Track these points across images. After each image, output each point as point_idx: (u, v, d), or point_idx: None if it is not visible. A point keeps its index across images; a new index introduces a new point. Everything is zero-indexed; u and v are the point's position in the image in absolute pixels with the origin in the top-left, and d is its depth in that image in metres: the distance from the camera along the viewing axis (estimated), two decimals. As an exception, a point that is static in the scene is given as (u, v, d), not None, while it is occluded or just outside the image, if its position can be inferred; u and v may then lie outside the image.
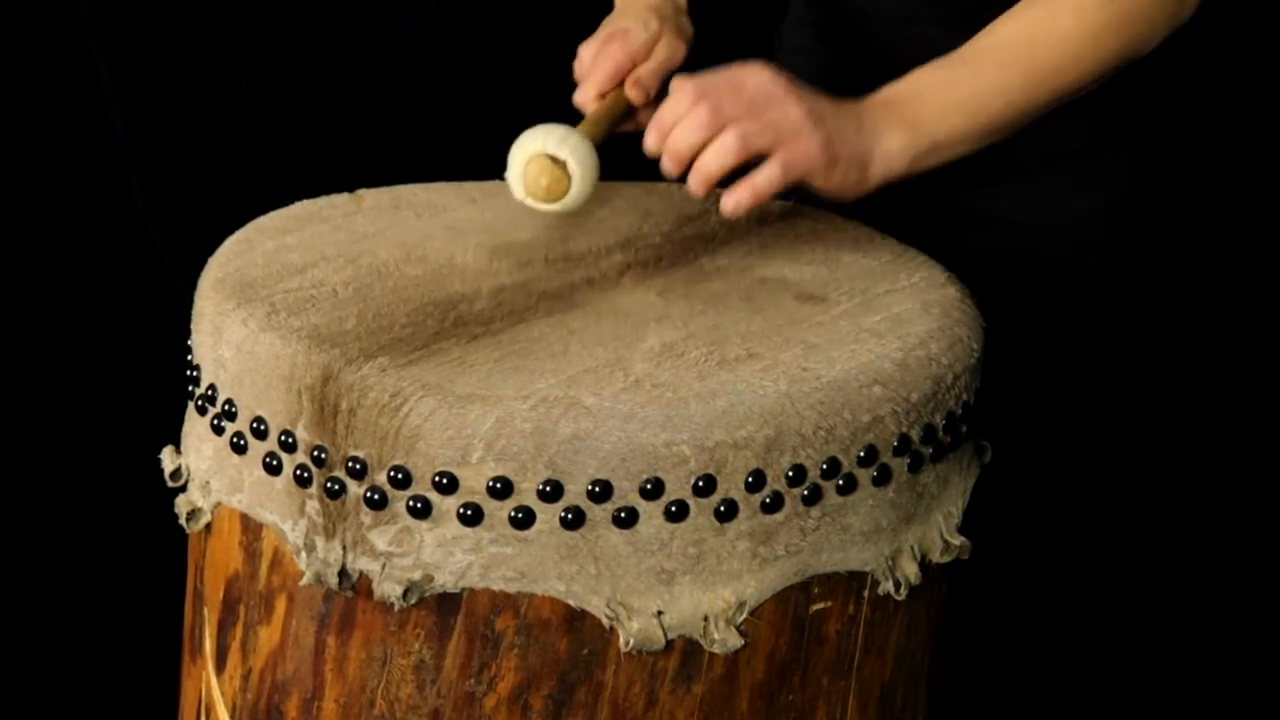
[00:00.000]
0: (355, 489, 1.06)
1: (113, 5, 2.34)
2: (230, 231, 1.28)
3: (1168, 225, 1.45)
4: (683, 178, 1.19)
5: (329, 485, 1.07)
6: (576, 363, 1.09)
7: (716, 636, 1.07)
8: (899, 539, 1.14)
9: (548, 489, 1.04)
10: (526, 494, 1.04)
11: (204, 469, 1.16)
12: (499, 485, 1.04)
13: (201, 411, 1.16)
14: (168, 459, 1.22)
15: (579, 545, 1.05)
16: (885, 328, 1.16)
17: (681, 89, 1.18)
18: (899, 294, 1.22)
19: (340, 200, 1.35)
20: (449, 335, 1.12)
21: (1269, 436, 2.20)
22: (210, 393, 1.14)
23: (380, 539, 1.07)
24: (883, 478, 1.11)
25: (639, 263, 1.25)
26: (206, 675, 1.20)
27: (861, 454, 1.09)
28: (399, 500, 1.05)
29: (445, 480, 1.04)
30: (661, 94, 1.40)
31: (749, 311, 1.17)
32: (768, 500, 1.07)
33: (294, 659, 1.13)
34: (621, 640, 1.07)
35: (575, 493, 1.04)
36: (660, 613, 1.07)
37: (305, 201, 1.34)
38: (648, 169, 1.34)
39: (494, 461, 1.03)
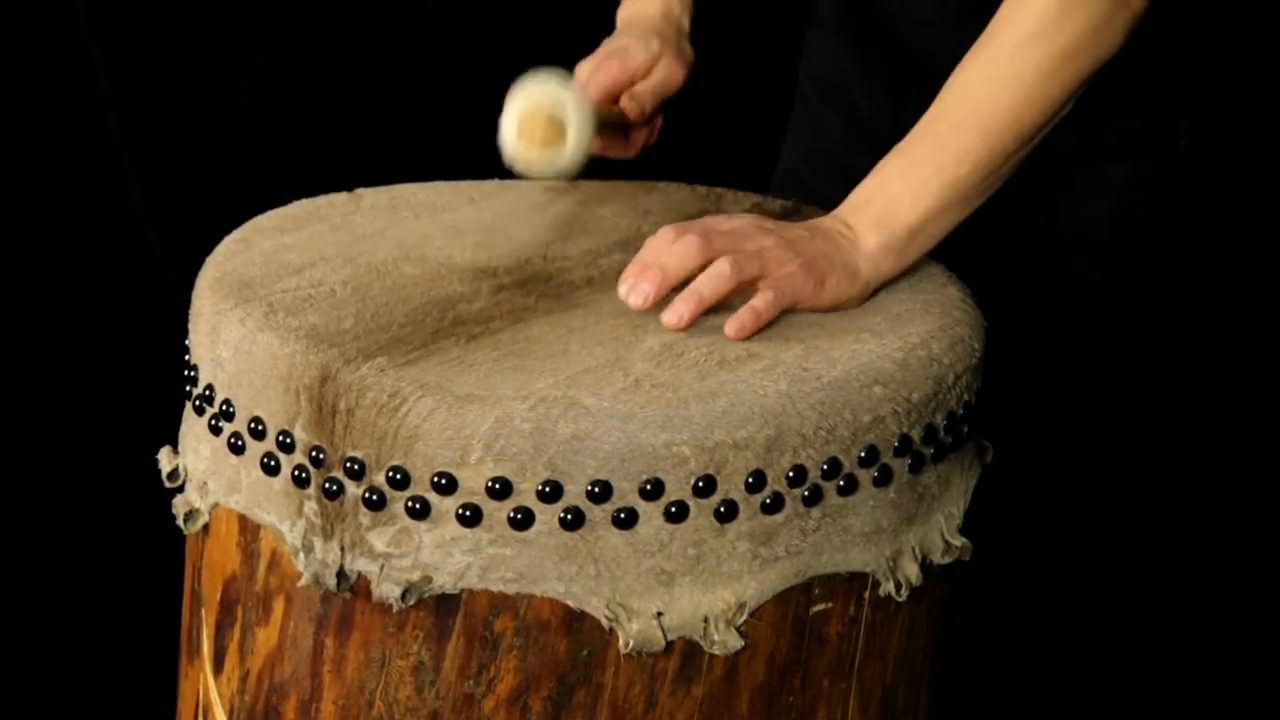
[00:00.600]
0: (353, 489, 1.06)
1: (110, 4, 2.34)
2: (228, 231, 1.28)
3: (1173, 229, 1.45)
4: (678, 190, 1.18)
5: (327, 486, 1.07)
6: (576, 363, 1.08)
7: (716, 638, 1.07)
8: (900, 540, 1.13)
9: (547, 489, 1.03)
10: (526, 494, 1.04)
11: (201, 469, 1.16)
12: (498, 486, 1.03)
13: (199, 412, 1.16)
14: (165, 459, 1.21)
15: (578, 546, 1.05)
16: (886, 327, 1.16)
17: (660, 233, 1.16)
18: (900, 293, 1.22)
19: (339, 200, 1.35)
20: (448, 335, 1.11)
21: (1270, 439, 2.20)
22: (208, 393, 1.14)
23: (379, 540, 1.06)
24: (884, 478, 1.10)
25: (639, 262, 1.25)
26: (204, 677, 1.19)
27: (862, 454, 1.09)
28: (397, 501, 1.05)
29: (444, 481, 1.04)
30: (657, 115, 1.40)
31: (749, 311, 1.17)
32: (768, 501, 1.06)
33: (292, 660, 1.12)
34: (621, 641, 1.06)
35: (575, 493, 1.04)
36: (660, 614, 1.06)
37: (303, 201, 1.34)
38: (648, 169, 1.34)
39: (493, 462, 1.03)
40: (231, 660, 1.17)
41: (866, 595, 1.13)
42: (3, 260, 2.41)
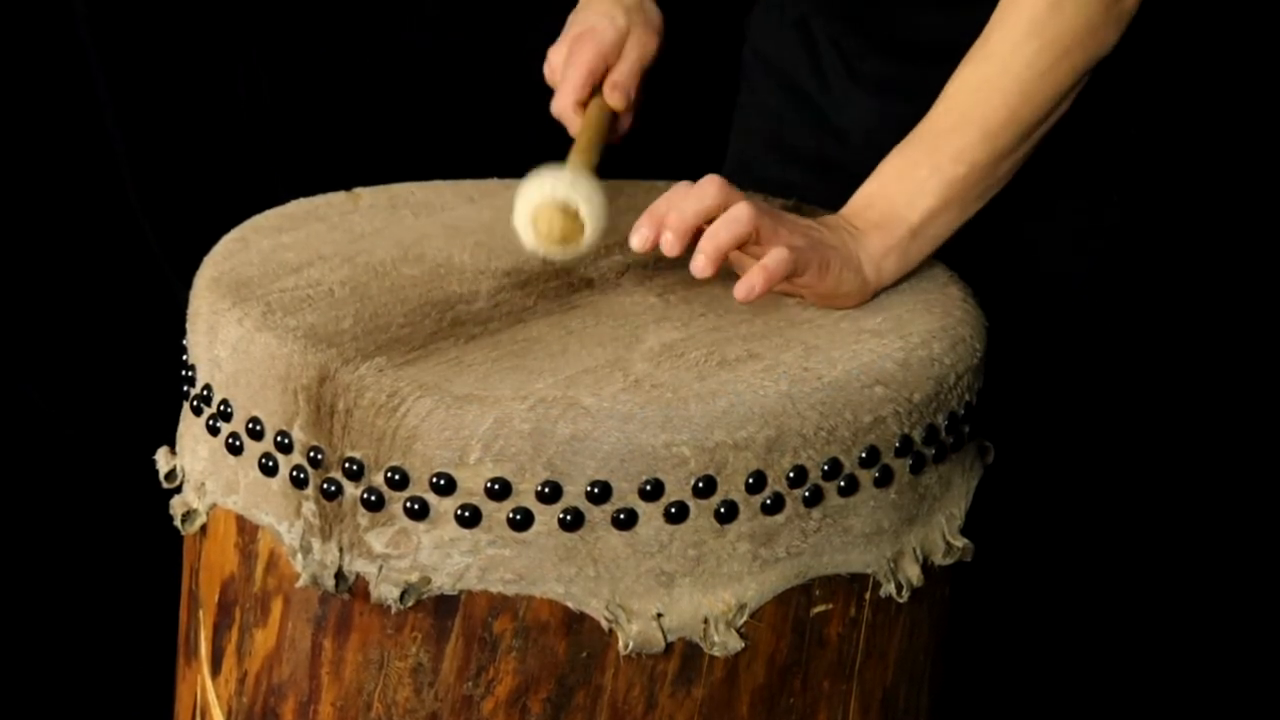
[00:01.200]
0: (352, 490, 1.06)
1: (107, 4, 2.34)
2: (225, 230, 1.27)
3: (1167, 228, 1.45)
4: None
5: (325, 486, 1.06)
6: (575, 363, 1.08)
7: (716, 639, 1.07)
8: (901, 541, 1.13)
9: (546, 490, 1.03)
10: (525, 495, 1.03)
11: (199, 470, 1.16)
12: (497, 486, 1.03)
13: (197, 412, 1.15)
14: (162, 460, 1.21)
15: (578, 547, 1.04)
16: (887, 327, 1.16)
17: (673, 188, 1.15)
18: (900, 293, 1.22)
19: (337, 199, 1.35)
20: (447, 335, 1.11)
21: (1272, 437, 2.20)
22: (205, 393, 1.14)
23: (377, 541, 1.06)
24: (884, 479, 1.10)
25: (638, 263, 1.25)
26: (202, 678, 1.19)
27: (863, 455, 1.08)
28: (396, 501, 1.05)
29: (443, 481, 1.03)
30: (639, 92, 1.39)
31: (749, 312, 1.17)
32: (768, 501, 1.06)
33: (290, 662, 1.12)
34: (621, 643, 1.06)
35: (574, 494, 1.03)
36: (660, 615, 1.06)
37: (301, 200, 1.34)
38: (647, 169, 1.33)
39: (492, 462, 1.03)
40: (229, 662, 1.16)
41: (867, 596, 1.13)
42: (-1, 260, 2.41)
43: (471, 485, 1.03)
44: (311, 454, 1.07)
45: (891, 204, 1.20)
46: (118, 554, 2.21)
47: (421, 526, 1.05)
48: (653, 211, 1.14)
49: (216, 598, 1.17)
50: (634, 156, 1.38)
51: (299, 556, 1.09)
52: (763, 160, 1.57)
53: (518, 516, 1.04)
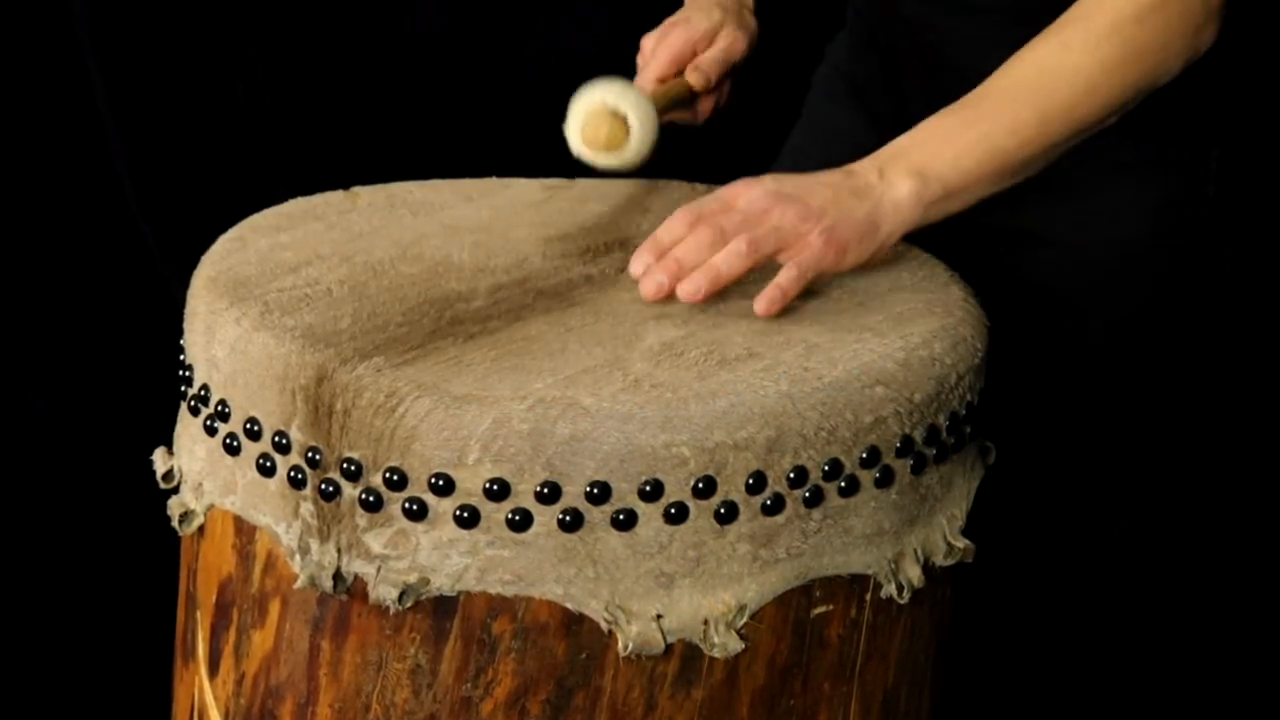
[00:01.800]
0: (350, 491, 1.05)
1: (105, 3, 2.34)
2: (223, 229, 1.27)
3: (1185, 243, 1.44)
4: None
5: (323, 487, 1.06)
6: (575, 362, 1.08)
7: (716, 640, 1.07)
8: (902, 541, 1.13)
9: (545, 490, 1.03)
10: (524, 496, 1.03)
11: (197, 470, 1.15)
12: (496, 487, 1.03)
13: (194, 412, 1.15)
14: (160, 460, 1.21)
15: (577, 548, 1.04)
16: (888, 327, 1.15)
17: (675, 216, 1.18)
18: (901, 293, 1.22)
19: (335, 198, 1.34)
20: (445, 334, 1.11)
21: (1274, 440, 2.20)
22: (203, 393, 1.13)
23: (375, 541, 1.06)
24: (885, 479, 1.10)
25: (638, 261, 1.24)
26: (199, 679, 1.19)
27: (864, 455, 1.08)
28: (394, 502, 1.04)
29: (441, 482, 1.03)
30: (728, 86, 1.43)
31: (749, 309, 1.16)
32: (769, 502, 1.06)
33: (288, 663, 1.12)
34: (620, 644, 1.06)
35: (573, 494, 1.03)
36: (659, 616, 1.06)
37: (299, 199, 1.34)
38: (647, 168, 1.33)
39: (491, 463, 1.02)
40: (227, 663, 1.16)
41: (868, 597, 1.13)
42: (-4, 259, 2.41)
43: (470, 486, 1.03)
44: (309, 454, 1.06)
45: (934, 156, 1.21)
46: (115, 554, 2.21)
47: (420, 527, 1.05)
48: (656, 246, 1.17)
49: (214, 599, 1.16)
50: (684, 161, 1.41)
51: (297, 557, 1.08)
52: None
53: (517, 517, 1.03)
